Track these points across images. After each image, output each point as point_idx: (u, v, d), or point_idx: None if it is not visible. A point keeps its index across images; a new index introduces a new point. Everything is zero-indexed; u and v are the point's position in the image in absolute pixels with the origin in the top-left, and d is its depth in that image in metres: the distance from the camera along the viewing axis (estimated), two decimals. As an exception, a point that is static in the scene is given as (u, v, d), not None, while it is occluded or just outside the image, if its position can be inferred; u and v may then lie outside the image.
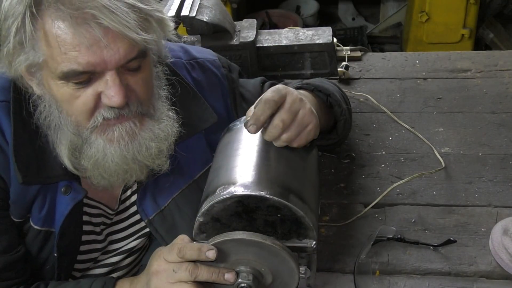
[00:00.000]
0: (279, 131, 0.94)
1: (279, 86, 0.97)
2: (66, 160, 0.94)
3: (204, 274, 0.86)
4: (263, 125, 0.93)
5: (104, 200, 1.09)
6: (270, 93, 0.95)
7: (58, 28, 0.83)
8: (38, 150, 0.96)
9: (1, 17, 0.86)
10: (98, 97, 0.89)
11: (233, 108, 1.19)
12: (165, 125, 0.98)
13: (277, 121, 0.94)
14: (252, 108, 0.97)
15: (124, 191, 1.10)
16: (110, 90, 0.88)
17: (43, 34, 0.85)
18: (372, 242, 1.09)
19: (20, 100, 0.95)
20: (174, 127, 0.99)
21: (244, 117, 1.05)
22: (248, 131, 0.93)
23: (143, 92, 0.94)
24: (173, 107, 1.01)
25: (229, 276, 0.87)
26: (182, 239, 0.89)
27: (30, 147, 0.95)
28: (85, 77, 0.87)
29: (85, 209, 1.05)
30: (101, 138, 0.92)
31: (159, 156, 0.98)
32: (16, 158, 0.94)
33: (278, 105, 0.94)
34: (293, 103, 0.96)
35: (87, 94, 0.89)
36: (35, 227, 1.00)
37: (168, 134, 0.98)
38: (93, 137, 0.93)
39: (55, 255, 1.01)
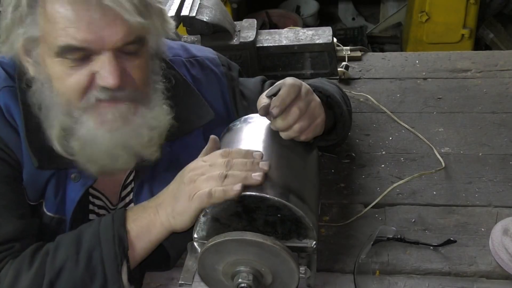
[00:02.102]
0: (295, 119, 0.95)
1: (292, 77, 0.99)
2: (56, 142, 0.95)
3: (238, 164, 0.88)
4: (286, 108, 0.94)
5: (106, 193, 1.10)
6: (290, 79, 0.96)
7: (59, 3, 0.85)
8: (49, 139, 0.97)
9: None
10: (92, 77, 0.90)
11: (233, 106, 1.19)
12: (158, 114, 0.99)
13: (295, 108, 0.95)
14: (263, 96, 0.98)
15: (125, 187, 1.11)
16: (105, 70, 0.89)
17: (43, 8, 0.86)
18: (372, 242, 1.09)
19: (28, 86, 0.96)
20: (166, 118, 1.00)
21: (244, 117, 1.06)
22: (270, 113, 0.94)
23: (139, 79, 0.95)
24: (169, 102, 1.01)
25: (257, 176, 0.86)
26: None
27: (41, 133, 0.96)
28: (81, 54, 0.88)
29: (90, 199, 1.06)
30: (93, 120, 0.93)
31: (149, 144, 0.98)
32: (30, 144, 0.95)
33: (298, 92, 0.96)
34: (306, 93, 0.97)
35: (81, 73, 0.90)
36: (49, 213, 1.01)
37: (161, 123, 0.99)
38: (84, 117, 0.93)
39: None
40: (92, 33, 0.86)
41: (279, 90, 0.96)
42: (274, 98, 0.95)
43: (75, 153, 0.96)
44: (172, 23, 1.02)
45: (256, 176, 0.86)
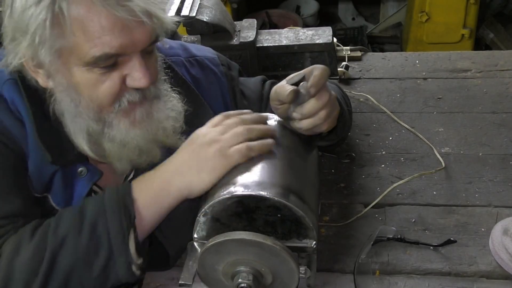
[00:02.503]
0: (325, 102, 0.95)
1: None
2: (85, 147, 0.95)
3: (255, 129, 0.93)
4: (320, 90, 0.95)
5: None
6: (320, 65, 0.98)
7: (91, 12, 0.83)
8: (55, 132, 0.97)
9: (19, 8, 0.85)
10: (123, 80, 0.91)
11: (233, 106, 1.19)
12: (173, 103, 1.01)
13: (325, 92, 0.95)
14: (285, 84, 0.97)
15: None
16: (137, 72, 0.90)
17: (71, 19, 0.84)
18: (372, 242, 1.09)
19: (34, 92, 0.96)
20: (180, 104, 1.02)
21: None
22: (308, 92, 0.94)
23: (155, 74, 0.97)
24: (175, 89, 1.03)
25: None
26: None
27: (52, 132, 0.97)
28: (112, 61, 0.88)
29: (92, 195, 1.06)
30: (124, 122, 0.94)
31: (174, 134, 1.00)
32: (42, 140, 0.95)
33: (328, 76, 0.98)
34: (327, 85, 0.98)
35: (113, 78, 0.90)
36: (57, 207, 1.00)
37: (178, 111, 1.01)
38: (116, 121, 0.94)
39: None
40: (126, 37, 0.86)
41: (303, 78, 0.96)
42: (312, 77, 0.94)
43: (107, 155, 0.97)
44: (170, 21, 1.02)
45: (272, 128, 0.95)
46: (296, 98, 0.95)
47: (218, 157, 0.90)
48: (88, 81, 0.89)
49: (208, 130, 0.94)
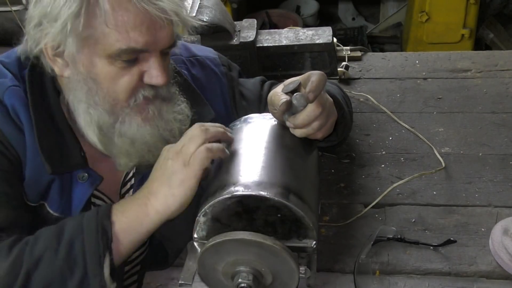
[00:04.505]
0: (317, 115, 0.95)
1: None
2: (95, 139, 0.97)
3: (211, 129, 0.91)
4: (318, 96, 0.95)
5: (107, 192, 1.10)
6: (315, 71, 0.98)
7: (122, 8, 0.86)
8: (58, 138, 0.98)
9: None
10: (141, 77, 0.93)
11: (233, 106, 1.19)
12: (182, 107, 1.03)
13: (317, 103, 0.95)
14: (279, 92, 0.97)
15: (124, 184, 1.11)
16: (155, 70, 0.93)
17: (105, 10, 0.86)
18: (372, 242, 1.09)
19: (37, 88, 0.97)
20: (188, 110, 1.04)
21: (244, 117, 1.06)
22: (306, 99, 0.94)
23: (169, 75, 0.99)
24: (183, 95, 1.05)
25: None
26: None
27: (51, 136, 0.97)
28: (134, 56, 0.91)
29: (91, 199, 1.06)
30: (137, 117, 0.96)
31: (180, 136, 0.99)
32: (42, 149, 0.96)
33: (325, 82, 0.98)
34: (324, 92, 0.97)
35: (132, 73, 0.92)
36: (55, 214, 1.01)
37: (185, 115, 1.03)
38: (128, 116, 0.96)
39: None
40: (152, 35, 0.89)
41: (299, 85, 0.96)
42: (310, 82, 0.94)
43: (118, 150, 0.98)
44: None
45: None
46: (289, 108, 0.95)
47: (182, 169, 0.88)
48: (109, 73, 0.92)
49: (172, 144, 0.93)
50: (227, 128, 0.96)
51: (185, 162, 0.88)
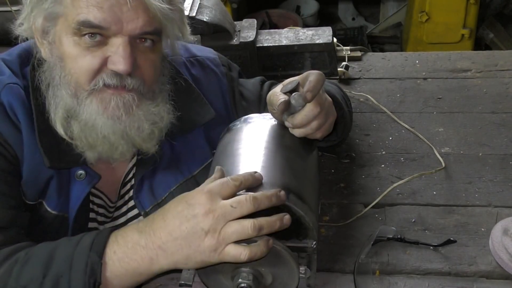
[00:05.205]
0: (315, 114, 0.94)
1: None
2: (58, 123, 0.96)
3: (264, 200, 0.78)
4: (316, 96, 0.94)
5: (105, 191, 1.10)
6: (313, 71, 0.97)
7: None
8: (57, 135, 0.98)
9: None
10: (104, 61, 0.92)
11: (233, 106, 1.19)
12: (160, 111, 1.00)
13: (315, 103, 0.95)
14: (278, 92, 0.97)
15: (124, 185, 1.11)
16: (118, 55, 0.91)
17: None
18: (372, 242, 1.09)
19: (38, 84, 0.97)
20: (168, 116, 1.01)
21: (244, 117, 1.06)
22: (304, 99, 0.93)
23: (148, 74, 0.96)
24: (173, 103, 1.03)
25: (282, 194, 0.80)
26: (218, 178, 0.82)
27: (50, 132, 0.97)
28: (96, 31, 0.90)
29: (89, 197, 1.07)
30: (96, 104, 0.94)
31: (149, 138, 1.00)
32: (42, 144, 0.96)
33: (323, 82, 0.97)
34: (323, 92, 0.97)
35: (95, 55, 0.92)
36: (53, 212, 1.01)
37: (162, 120, 1.00)
38: (88, 100, 0.94)
39: None
40: (113, 15, 0.88)
41: (297, 85, 0.96)
42: (308, 82, 0.94)
43: (74, 136, 0.97)
44: (188, 28, 1.03)
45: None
46: (288, 108, 0.95)
47: (211, 253, 0.79)
48: (73, 52, 0.92)
49: (206, 208, 0.79)
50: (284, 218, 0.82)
51: (218, 249, 0.79)
